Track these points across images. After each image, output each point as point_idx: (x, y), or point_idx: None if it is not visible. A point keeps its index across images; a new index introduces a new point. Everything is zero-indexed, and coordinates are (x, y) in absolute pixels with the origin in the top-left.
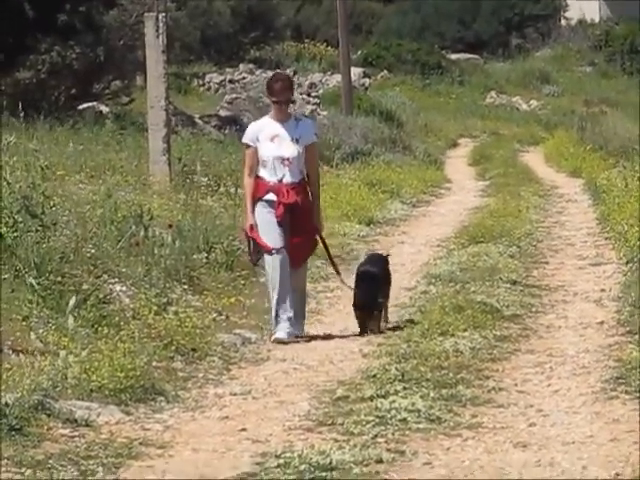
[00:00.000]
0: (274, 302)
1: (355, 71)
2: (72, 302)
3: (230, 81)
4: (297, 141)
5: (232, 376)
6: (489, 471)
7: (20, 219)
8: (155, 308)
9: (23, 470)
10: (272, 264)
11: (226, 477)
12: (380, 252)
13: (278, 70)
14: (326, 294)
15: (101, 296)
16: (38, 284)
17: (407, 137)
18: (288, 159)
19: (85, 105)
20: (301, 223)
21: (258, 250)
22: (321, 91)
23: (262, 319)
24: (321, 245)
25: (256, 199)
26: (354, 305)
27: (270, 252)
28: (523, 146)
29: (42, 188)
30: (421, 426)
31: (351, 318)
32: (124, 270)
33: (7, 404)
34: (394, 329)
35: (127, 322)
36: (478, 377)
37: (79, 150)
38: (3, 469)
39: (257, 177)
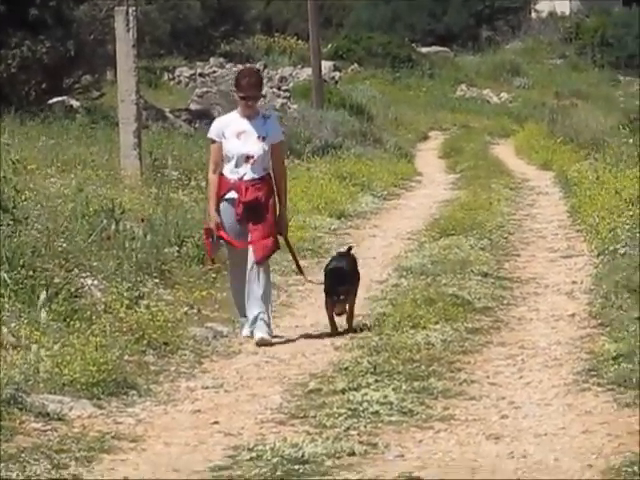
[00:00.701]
0: (235, 298)
1: (325, 64)
2: (43, 296)
3: (200, 75)
4: (263, 139)
5: (204, 369)
6: (461, 463)
7: None
8: (127, 302)
9: None
10: (233, 263)
11: (198, 470)
12: (344, 252)
13: (247, 65)
14: (297, 287)
15: (73, 290)
16: (10, 278)
17: (378, 130)
18: (253, 157)
19: (56, 99)
20: (262, 220)
21: (218, 247)
22: (291, 85)
23: (234, 312)
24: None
25: (219, 198)
26: (325, 291)
27: (236, 250)
28: (494, 139)
29: (13, 182)
30: (393, 419)
31: (322, 311)
32: (95, 264)
33: None
34: (361, 328)
35: (99, 316)
36: (450, 370)
37: (50, 144)
38: None
39: (221, 174)
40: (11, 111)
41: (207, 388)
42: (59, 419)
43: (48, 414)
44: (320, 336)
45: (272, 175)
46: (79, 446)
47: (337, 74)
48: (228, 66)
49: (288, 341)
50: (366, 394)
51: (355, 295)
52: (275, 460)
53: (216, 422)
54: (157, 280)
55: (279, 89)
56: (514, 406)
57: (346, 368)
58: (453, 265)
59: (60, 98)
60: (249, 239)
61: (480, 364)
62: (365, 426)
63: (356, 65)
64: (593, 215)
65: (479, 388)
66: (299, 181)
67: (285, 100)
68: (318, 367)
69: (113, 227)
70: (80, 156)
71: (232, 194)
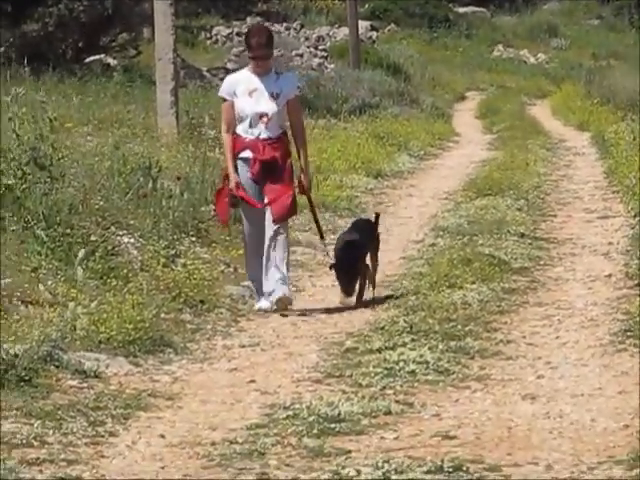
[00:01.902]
0: (249, 268)
1: (362, 24)
2: (81, 254)
3: (237, 34)
4: (277, 96)
5: (240, 328)
6: (497, 423)
7: (28, 171)
8: (163, 260)
9: (32, 421)
10: (250, 225)
11: (235, 428)
12: (366, 217)
13: (258, 22)
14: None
15: (109, 248)
16: (47, 236)
17: (415, 90)
18: (266, 115)
19: (93, 58)
20: (279, 179)
21: (231, 211)
22: (328, 44)
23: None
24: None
25: (235, 157)
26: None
27: (253, 212)
28: (530, 99)
29: (50, 140)
30: (429, 378)
31: None
32: (132, 222)
33: (16, 355)
34: (382, 300)
35: (135, 274)
36: (486, 329)
37: (87, 102)
38: (12, 420)
39: (234, 134)
40: (48, 69)
41: (243, 346)
42: (95, 377)
43: (84, 372)
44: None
45: (288, 134)
46: (115, 404)
47: (374, 34)
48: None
49: (324, 300)
50: (402, 353)
51: (371, 266)
52: (311, 418)
53: (252, 380)
54: (194, 238)
55: (316, 49)
56: (550, 366)
57: (382, 327)
58: (490, 225)
59: (97, 56)
60: (265, 200)
61: (517, 324)
62: (401, 385)
63: (393, 25)
64: (629, 176)
65: (515, 348)
66: (336, 140)
67: (322, 60)
68: (354, 326)
69: (150, 185)
70: (117, 114)
71: (247, 153)
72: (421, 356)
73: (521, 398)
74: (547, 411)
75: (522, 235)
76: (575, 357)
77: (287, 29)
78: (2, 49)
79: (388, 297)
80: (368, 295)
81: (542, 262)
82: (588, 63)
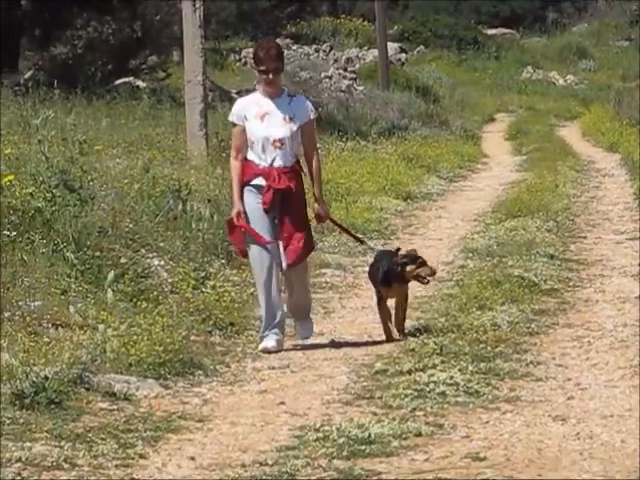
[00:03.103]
0: (263, 305)
1: (392, 46)
2: (111, 276)
3: None
4: (290, 120)
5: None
6: (528, 444)
7: (58, 193)
8: (193, 282)
9: (62, 443)
10: (260, 260)
11: (265, 450)
12: (389, 249)
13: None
14: (364, 268)
15: (139, 270)
16: (76, 258)
17: (444, 112)
18: (280, 140)
19: (122, 80)
20: (295, 213)
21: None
22: (357, 66)
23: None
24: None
25: (244, 184)
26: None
27: (260, 244)
28: (560, 121)
29: (80, 162)
30: (460, 399)
31: None
32: (162, 244)
33: (46, 378)
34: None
35: (165, 296)
36: (516, 351)
37: (116, 125)
38: (42, 442)
39: (245, 160)
40: (77, 92)
41: (273, 369)
42: (126, 399)
43: (115, 394)
44: None
45: (300, 162)
46: (146, 426)
47: (403, 56)
48: (294, 48)
49: (354, 321)
50: (432, 375)
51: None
52: (341, 440)
53: (282, 402)
54: (223, 261)
55: (345, 70)
56: (580, 387)
57: (412, 349)
58: (519, 247)
59: (126, 79)
60: (279, 236)
61: (546, 345)
62: (431, 407)
63: (422, 47)
64: None
65: (545, 369)
66: (365, 162)
67: (351, 82)
68: (384, 348)
69: (180, 207)
70: (146, 137)
71: (259, 180)
72: (451, 378)
73: (551, 419)
74: (577, 432)
75: (552, 256)
76: (605, 378)
77: (316, 51)
78: (31, 72)
79: (418, 318)
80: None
81: (572, 283)
82: (617, 84)
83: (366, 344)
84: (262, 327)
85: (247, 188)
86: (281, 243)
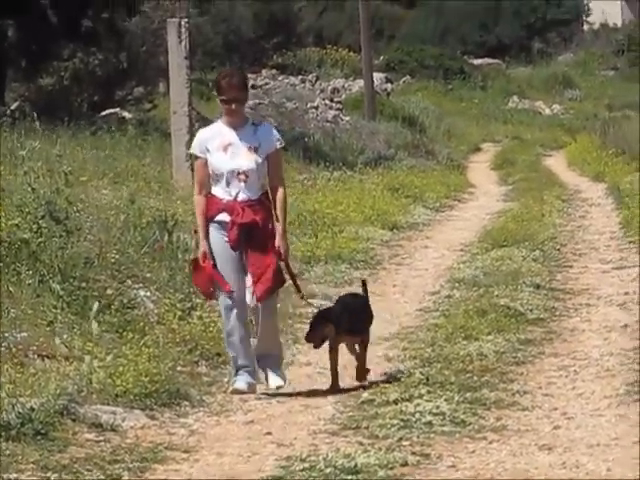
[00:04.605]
0: (230, 349)
1: (377, 76)
2: (95, 307)
3: (253, 87)
4: (255, 150)
5: (257, 380)
6: (514, 474)
7: (44, 224)
8: (179, 313)
9: (49, 474)
10: (225, 304)
11: None
12: (356, 292)
13: (230, 68)
14: None
15: (125, 301)
16: (62, 289)
17: (430, 142)
18: (244, 173)
19: (108, 111)
20: (262, 247)
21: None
22: (344, 96)
23: (286, 323)
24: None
25: (208, 220)
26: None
27: (225, 291)
28: (546, 150)
29: (66, 194)
30: (446, 429)
31: (375, 323)
32: (148, 275)
33: (32, 409)
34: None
35: (151, 327)
36: (502, 380)
37: (102, 156)
38: (29, 473)
39: (209, 194)
40: (63, 123)
41: (259, 399)
42: (112, 430)
43: (101, 425)
44: (372, 347)
45: (269, 194)
46: (132, 457)
47: (389, 86)
48: (280, 78)
49: (340, 351)
50: (419, 405)
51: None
52: (328, 470)
53: (269, 433)
54: None
55: (331, 101)
56: (567, 417)
57: (398, 379)
58: (505, 276)
59: (112, 110)
60: (246, 272)
61: (533, 375)
62: (418, 437)
63: (408, 77)
64: None
65: (531, 399)
66: (351, 192)
67: (337, 112)
68: (371, 378)
69: (166, 238)
70: (132, 168)
71: (223, 216)
72: (437, 407)
73: (538, 449)
74: (564, 461)
75: (538, 286)
76: (591, 407)
77: (302, 81)
78: (17, 103)
79: (405, 348)
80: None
81: (558, 313)
82: (603, 114)
83: (352, 375)
84: (232, 372)
85: (212, 225)
86: (248, 278)
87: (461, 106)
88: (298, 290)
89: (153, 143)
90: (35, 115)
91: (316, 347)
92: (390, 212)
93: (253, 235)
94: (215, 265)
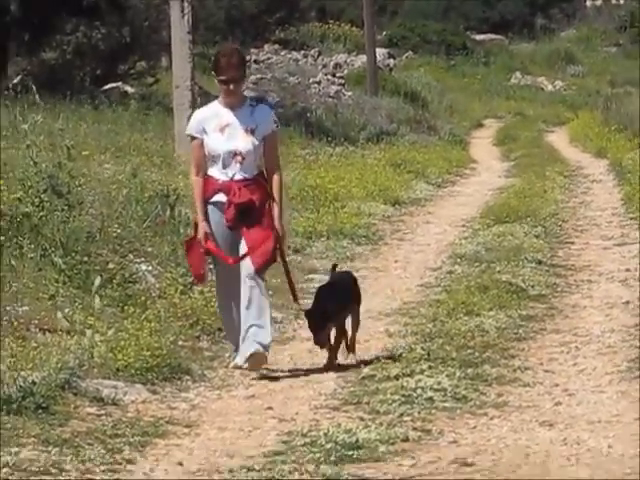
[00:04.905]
0: (225, 323)
1: (380, 52)
2: (97, 281)
3: (255, 62)
4: (252, 132)
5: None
6: (515, 449)
7: (46, 198)
8: (181, 287)
9: (50, 448)
10: (225, 283)
11: (252, 455)
12: (347, 270)
13: (227, 44)
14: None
15: (127, 275)
16: (64, 263)
17: (432, 118)
18: (241, 154)
19: (110, 85)
20: (258, 224)
21: (206, 261)
22: (346, 72)
23: (287, 299)
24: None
25: (205, 202)
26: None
27: (228, 265)
28: (548, 126)
29: (68, 168)
30: (447, 405)
31: (376, 298)
32: (150, 249)
33: (34, 382)
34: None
35: (153, 301)
36: (504, 356)
37: (104, 130)
38: (29, 447)
39: (206, 175)
40: (65, 97)
41: (261, 374)
42: (113, 404)
43: (102, 399)
44: (373, 322)
45: (265, 174)
46: (133, 431)
47: (391, 61)
48: (283, 53)
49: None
50: (420, 380)
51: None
52: (329, 446)
53: (270, 408)
54: (211, 266)
55: (334, 76)
56: (568, 393)
57: (400, 354)
58: (507, 252)
59: (115, 84)
60: (242, 246)
61: (534, 351)
62: (419, 412)
63: (411, 52)
64: None
65: (533, 375)
66: (353, 168)
67: (340, 87)
68: (372, 353)
69: (168, 213)
70: (134, 142)
71: (220, 197)
72: (439, 383)
73: (538, 425)
74: (564, 438)
75: (539, 262)
76: (592, 384)
77: (305, 57)
78: (20, 77)
79: (406, 324)
80: (349, 358)
81: (559, 289)
82: (605, 90)
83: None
84: (231, 347)
85: (209, 206)
86: (245, 251)
87: (463, 82)
88: (291, 286)
89: (155, 117)
90: (37, 89)
91: (325, 347)
92: (392, 187)
93: (250, 214)
94: (217, 244)
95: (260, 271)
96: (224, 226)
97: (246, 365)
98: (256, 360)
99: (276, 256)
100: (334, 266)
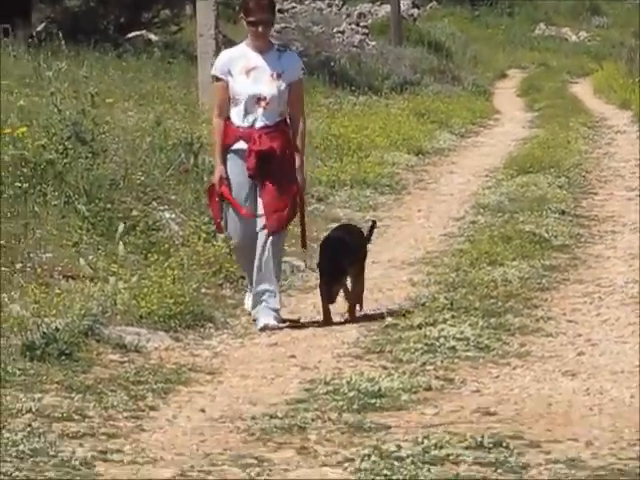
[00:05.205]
0: (248, 277)
1: (404, 1)
2: (121, 228)
3: (279, 10)
4: (279, 77)
5: (281, 303)
6: (537, 399)
7: (70, 146)
8: (204, 235)
9: (73, 395)
10: (240, 231)
11: (275, 403)
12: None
13: None
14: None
15: (150, 223)
16: (88, 210)
17: (456, 68)
18: (265, 98)
19: (134, 34)
20: (278, 176)
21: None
22: (370, 21)
23: (311, 247)
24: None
25: (225, 148)
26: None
27: (240, 215)
28: (572, 77)
29: (92, 115)
30: (470, 354)
31: (399, 248)
32: (173, 197)
33: (57, 329)
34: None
35: (176, 249)
36: (527, 306)
37: (128, 78)
38: (53, 393)
39: (227, 119)
40: (89, 44)
41: (284, 322)
42: (136, 351)
43: (125, 346)
44: (396, 272)
45: (288, 122)
46: (156, 378)
47: (416, 11)
48: (307, 2)
49: (365, 276)
50: (443, 330)
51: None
52: (351, 394)
53: (293, 356)
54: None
55: (357, 25)
56: (591, 343)
57: (423, 304)
58: (530, 203)
59: (138, 32)
60: (260, 202)
61: (557, 301)
62: (442, 361)
63: (435, 3)
64: None
65: (556, 325)
66: (377, 117)
67: (363, 37)
68: (395, 302)
69: (191, 161)
70: (158, 90)
71: (241, 144)
72: (461, 332)
73: (561, 375)
74: (587, 388)
75: (563, 212)
76: (615, 334)
77: (329, 6)
78: (44, 24)
79: (429, 273)
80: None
81: (583, 239)
82: (630, 41)
83: (376, 299)
84: (249, 305)
85: (229, 154)
86: (261, 208)
87: (487, 32)
88: (303, 239)
89: (179, 66)
90: (61, 36)
91: (334, 302)
92: (415, 137)
93: (270, 164)
94: (231, 190)
95: (274, 234)
96: (245, 175)
97: (260, 326)
98: (270, 329)
99: (296, 210)
100: (374, 223)
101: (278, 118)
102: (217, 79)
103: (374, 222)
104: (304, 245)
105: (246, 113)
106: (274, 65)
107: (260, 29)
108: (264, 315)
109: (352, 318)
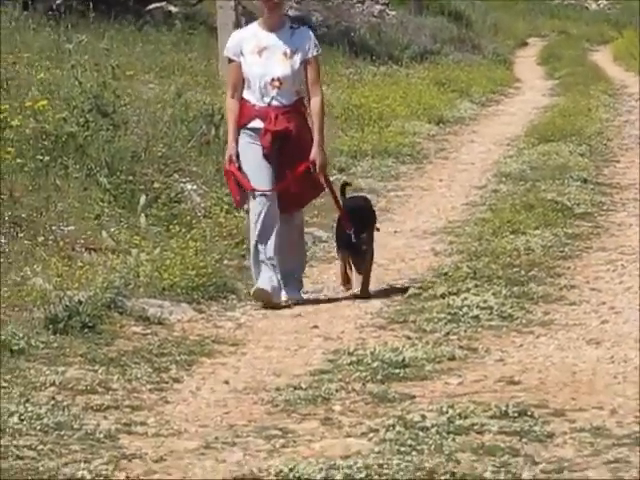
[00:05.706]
0: (252, 258)
1: None
2: (143, 200)
3: None
4: (292, 55)
5: (303, 274)
6: (561, 368)
7: (91, 118)
8: (226, 207)
9: (96, 367)
10: (254, 209)
11: (298, 374)
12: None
13: None
14: (397, 193)
15: (172, 195)
16: (109, 183)
17: (476, 37)
18: (278, 79)
19: (154, 5)
20: (294, 157)
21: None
22: None
23: (332, 218)
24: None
25: (239, 127)
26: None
27: (253, 194)
28: (592, 45)
29: (113, 87)
30: (493, 323)
31: (421, 217)
32: (195, 169)
33: (80, 302)
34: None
35: (198, 221)
36: (550, 275)
37: (148, 50)
38: (76, 366)
39: (242, 99)
40: (110, 17)
41: (306, 292)
42: (159, 323)
43: (148, 318)
44: (419, 241)
45: (305, 102)
46: (179, 350)
47: None
48: None
49: (387, 246)
50: (466, 299)
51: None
52: (375, 364)
53: (316, 326)
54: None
55: None
56: (614, 311)
57: (446, 273)
58: (552, 171)
59: (159, 4)
60: (277, 180)
61: (580, 269)
62: (465, 331)
63: None
64: None
65: (579, 293)
66: (398, 87)
67: (383, 7)
68: (417, 272)
69: (212, 132)
70: (178, 62)
71: (256, 123)
72: (485, 301)
73: (585, 343)
74: (611, 356)
75: (585, 180)
76: (639, 302)
77: None
78: None
79: (452, 242)
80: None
81: (605, 207)
82: None
83: (399, 268)
84: (254, 278)
85: (244, 132)
86: (278, 188)
87: (507, 1)
88: (338, 207)
89: (199, 37)
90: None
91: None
92: (436, 106)
93: (286, 145)
94: (240, 168)
95: (290, 213)
96: (260, 154)
97: (270, 292)
98: (260, 295)
99: (312, 194)
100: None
101: (295, 97)
102: (230, 60)
103: (346, 183)
104: (338, 205)
105: (261, 93)
106: (286, 43)
107: (272, 5)
108: (263, 283)
109: (365, 291)
